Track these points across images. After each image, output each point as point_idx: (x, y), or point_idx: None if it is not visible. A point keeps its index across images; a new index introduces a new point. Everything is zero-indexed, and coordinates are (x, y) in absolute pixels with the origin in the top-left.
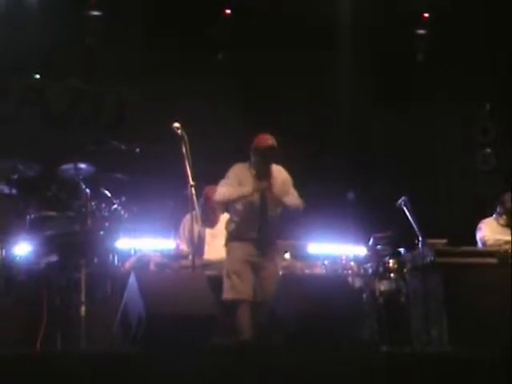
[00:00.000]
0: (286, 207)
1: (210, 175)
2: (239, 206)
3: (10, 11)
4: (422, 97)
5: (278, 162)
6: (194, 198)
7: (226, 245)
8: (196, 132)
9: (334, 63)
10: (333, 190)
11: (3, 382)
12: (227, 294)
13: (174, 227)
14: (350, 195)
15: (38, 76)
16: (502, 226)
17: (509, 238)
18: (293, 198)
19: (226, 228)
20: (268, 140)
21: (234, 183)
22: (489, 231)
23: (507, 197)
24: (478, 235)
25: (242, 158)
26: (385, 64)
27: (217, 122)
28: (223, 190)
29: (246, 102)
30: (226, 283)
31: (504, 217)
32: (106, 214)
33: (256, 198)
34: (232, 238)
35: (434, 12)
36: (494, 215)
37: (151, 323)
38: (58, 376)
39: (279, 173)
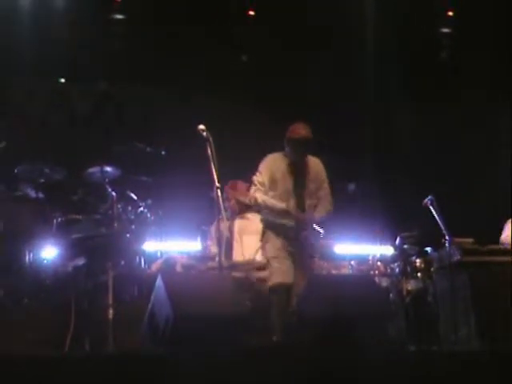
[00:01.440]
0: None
1: (237, 176)
2: (275, 193)
3: (35, 13)
4: (447, 95)
5: (314, 154)
6: (220, 200)
7: (264, 232)
8: (221, 134)
9: (358, 62)
10: (360, 190)
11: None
12: (270, 280)
13: (200, 229)
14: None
15: (63, 80)
16: None
17: None
18: (323, 208)
19: (261, 214)
20: (301, 130)
21: (267, 179)
22: (509, 231)
23: None
24: (501, 236)
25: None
26: (410, 62)
27: (243, 122)
28: (259, 198)
29: (271, 102)
30: (269, 271)
31: None
32: (132, 216)
33: (292, 186)
34: (269, 225)
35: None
36: None
37: (178, 325)
38: (86, 378)
39: (315, 165)
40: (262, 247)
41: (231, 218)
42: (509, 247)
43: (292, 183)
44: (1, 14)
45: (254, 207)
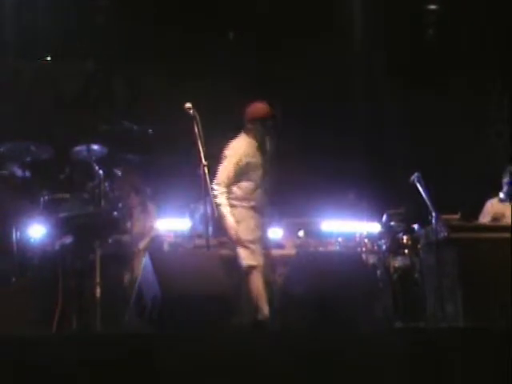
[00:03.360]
0: None
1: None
2: (249, 183)
3: None
4: (434, 73)
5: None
6: (207, 177)
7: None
8: (208, 112)
9: (346, 42)
10: (346, 168)
11: (20, 363)
12: (248, 261)
13: (188, 207)
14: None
15: (49, 58)
16: (503, 201)
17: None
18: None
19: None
20: (266, 107)
21: (237, 170)
22: (486, 212)
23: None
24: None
25: None
26: (397, 41)
27: (229, 102)
28: (224, 209)
29: (260, 82)
30: (244, 251)
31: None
32: (117, 194)
33: (261, 170)
34: (241, 203)
35: None
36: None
37: (166, 303)
38: (74, 357)
39: (270, 144)
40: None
41: None
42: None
43: (262, 169)
44: None
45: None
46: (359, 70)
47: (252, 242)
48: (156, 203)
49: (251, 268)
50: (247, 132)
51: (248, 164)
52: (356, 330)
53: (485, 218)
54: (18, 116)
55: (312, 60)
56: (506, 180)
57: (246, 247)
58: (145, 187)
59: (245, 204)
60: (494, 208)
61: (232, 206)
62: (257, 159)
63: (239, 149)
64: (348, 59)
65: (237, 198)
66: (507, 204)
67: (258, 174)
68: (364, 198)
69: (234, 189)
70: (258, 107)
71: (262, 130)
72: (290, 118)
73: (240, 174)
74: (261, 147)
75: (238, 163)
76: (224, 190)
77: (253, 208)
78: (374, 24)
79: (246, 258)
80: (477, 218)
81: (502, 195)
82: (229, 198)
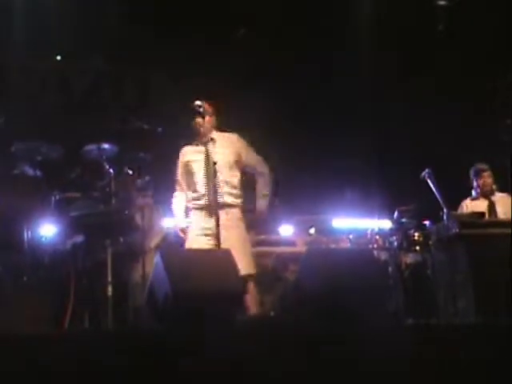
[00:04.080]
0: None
1: None
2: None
3: None
4: (444, 69)
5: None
6: (217, 175)
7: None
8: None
9: (354, 37)
10: (357, 165)
11: (32, 361)
12: None
13: None
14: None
15: (59, 57)
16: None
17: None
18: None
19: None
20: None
21: (182, 172)
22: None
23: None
24: None
25: (269, 136)
26: (407, 37)
27: (241, 99)
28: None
29: (272, 79)
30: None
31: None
32: (130, 193)
33: (201, 163)
34: (192, 204)
35: None
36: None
37: (177, 301)
38: (86, 355)
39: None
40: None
41: None
42: None
43: (206, 167)
44: None
45: None
46: (368, 66)
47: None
48: (167, 201)
49: None
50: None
51: (187, 164)
52: (367, 326)
53: None
54: (29, 115)
55: (324, 55)
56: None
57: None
58: (155, 185)
59: (194, 204)
60: (468, 208)
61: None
62: (198, 157)
63: (183, 150)
64: (358, 55)
65: (189, 200)
66: (480, 200)
67: (200, 173)
68: (363, 195)
69: (188, 191)
70: None
71: (192, 127)
72: (301, 115)
73: (186, 175)
74: (201, 144)
75: (181, 165)
76: (177, 189)
77: (201, 208)
78: (384, 20)
79: None
80: None
81: (474, 193)
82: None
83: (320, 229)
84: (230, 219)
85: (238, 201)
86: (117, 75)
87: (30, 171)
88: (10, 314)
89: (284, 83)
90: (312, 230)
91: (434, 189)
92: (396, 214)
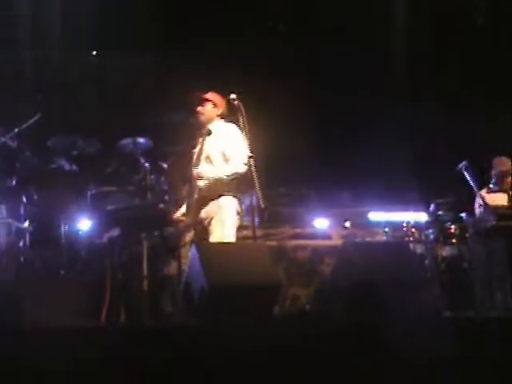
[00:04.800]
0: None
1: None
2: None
3: None
4: (478, 58)
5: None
6: (253, 169)
7: None
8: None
9: (388, 29)
10: (394, 157)
11: (69, 354)
12: None
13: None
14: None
15: (95, 52)
16: (494, 191)
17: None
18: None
19: None
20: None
21: None
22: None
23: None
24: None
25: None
26: (443, 27)
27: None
28: None
29: (305, 72)
30: None
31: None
32: (166, 187)
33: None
34: None
35: None
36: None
37: (213, 295)
38: (122, 349)
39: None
40: None
41: None
42: None
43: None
44: None
45: None
46: (402, 60)
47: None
48: None
49: None
50: None
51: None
52: (404, 319)
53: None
54: (65, 110)
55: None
56: (495, 172)
57: None
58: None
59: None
60: (485, 199)
61: None
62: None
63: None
64: (392, 47)
65: None
66: (498, 193)
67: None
68: (399, 188)
69: None
70: None
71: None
72: (337, 107)
73: None
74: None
75: None
76: None
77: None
78: (418, 16)
79: None
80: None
81: (491, 186)
82: None
83: (356, 222)
84: (215, 210)
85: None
86: (152, 70)
87: (66, 166)
88: (47, 309)
89: (319, 73)
90: (347, 223)
91: (470, 181)
92: (432, 206)
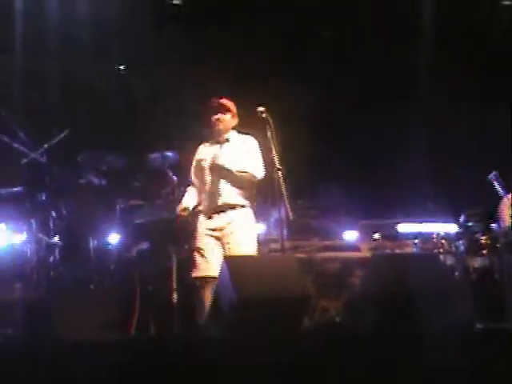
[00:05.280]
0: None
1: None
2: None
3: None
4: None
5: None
6: (281, 181)
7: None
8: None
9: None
10: (422, 168)
11: (99, 366)
12: (191, 273)
13: (261, 211)
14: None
15: (122, 66)
16: None
17: None
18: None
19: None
20: (208, 102)
21: (196, 171)
22: (506, 206)
23: None
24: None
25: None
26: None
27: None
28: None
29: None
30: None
31: None
32: None
33: (206, 163)
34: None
35: None
36: None
37: (242, 307)
38: (152, 361)
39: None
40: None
41: None
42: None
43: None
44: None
45: None
46: (426, 66)
47: (197, 250)
48: None
49: (195, 280)
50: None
51: (197, 164)
52: (435, 331)
53: (506, 210)
54: (94, 125)
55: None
56: None
57: (192, 257)
58: None
59: (199, 208)
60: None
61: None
62: (204, 158)
63: (199, 147)
64: (419, 54)
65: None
66: None
67: (204, 175)
68: (429, 199)
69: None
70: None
71: (209, 123)
72: (365, 119)
73: (198, 173)
74: (214, 143)
75: (194, 163)
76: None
77: (201, 212)
78: (444, 18)
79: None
80: None
81: None
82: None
83: (385, 234)
84: (235, 220)
85: (246, 202)
86: (177, 82)
87: (95, 180)
88: (77, 321)
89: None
90: (376, 235)
91: (501, 191)
92: (462, 217)
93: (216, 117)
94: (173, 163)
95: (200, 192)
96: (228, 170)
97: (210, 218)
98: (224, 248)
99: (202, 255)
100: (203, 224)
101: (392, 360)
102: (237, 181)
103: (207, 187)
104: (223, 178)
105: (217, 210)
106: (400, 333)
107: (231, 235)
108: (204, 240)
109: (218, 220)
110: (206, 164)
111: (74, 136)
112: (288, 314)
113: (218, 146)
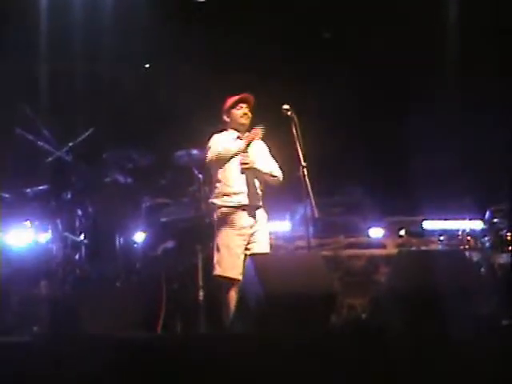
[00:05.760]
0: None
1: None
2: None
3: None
4: None
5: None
6: (307, 178)
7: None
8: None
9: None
10: (448, 164)
11: (124, 364)
12: (215, 270)
13: (288, 209)
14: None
15: (147, 65)
16: None
17: None
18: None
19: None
20: (237, 95)
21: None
22: None
23: None
24: None
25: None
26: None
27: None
28: (216, 149)
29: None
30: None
31: None
32: None
33: (237, 158)
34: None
35: None
36: None
37: (269, 305)
38: (178, 358)
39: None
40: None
41: None
42: None
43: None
44: (86, 0)
45: (216, 162)
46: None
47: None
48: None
49: (219, 278)
50: (225, 126)
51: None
52: (461, 328)
53: None
54: (120, 123)
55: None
56: None
57: (220, 252)
58: None
59: (227, 201)
60: None
61: (215, 205)
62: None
63: (217, 139)
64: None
65: (218, 196)
66: None
67: (238, 169)
68: (454, 195)
69: (217, 184)
70: (229, 98)
71: (236, 116)
72: (389, 118)
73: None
74: (241, 135)
75: (213, 151)
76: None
77: (237, 206)
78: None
79: (216, 266)
80: None
81: None
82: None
83: (410, 230)
84: (259, 220)
85: (260, 202)
86: (200, 80)
87: (121, 179)
88: (103, 319)
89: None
90: (402, 232)
91: None
92: (488, 214)
93: (244, 111)
94: (199, 161)
95: (224, 185)
96: (265, 173)
97: (238, 216)
98: (248, 246)
99: (230, 254)
100: (232, 222)
101: (417, 357)
102: (265, 182)
103: (237, 183)
104: (256, 178)
105: (248, 208)
106: (426, 330)
107: (256, 234)
108: (234, 239)
109: (247, 219)
110: (236, 160)
111: (99, 134)
112: (314, 311)
113: (250, 141)
